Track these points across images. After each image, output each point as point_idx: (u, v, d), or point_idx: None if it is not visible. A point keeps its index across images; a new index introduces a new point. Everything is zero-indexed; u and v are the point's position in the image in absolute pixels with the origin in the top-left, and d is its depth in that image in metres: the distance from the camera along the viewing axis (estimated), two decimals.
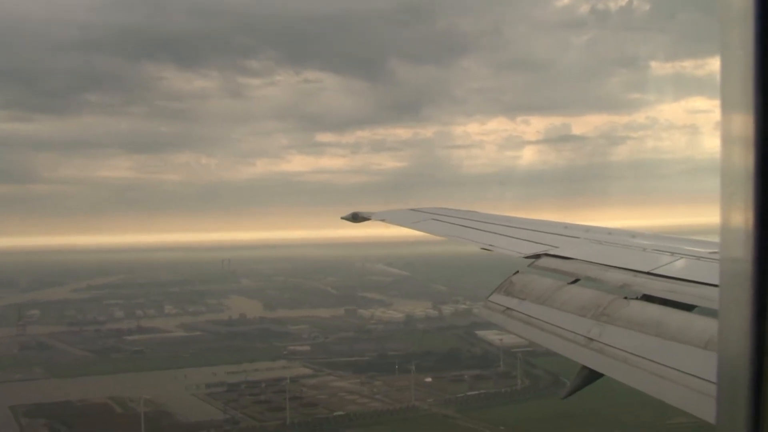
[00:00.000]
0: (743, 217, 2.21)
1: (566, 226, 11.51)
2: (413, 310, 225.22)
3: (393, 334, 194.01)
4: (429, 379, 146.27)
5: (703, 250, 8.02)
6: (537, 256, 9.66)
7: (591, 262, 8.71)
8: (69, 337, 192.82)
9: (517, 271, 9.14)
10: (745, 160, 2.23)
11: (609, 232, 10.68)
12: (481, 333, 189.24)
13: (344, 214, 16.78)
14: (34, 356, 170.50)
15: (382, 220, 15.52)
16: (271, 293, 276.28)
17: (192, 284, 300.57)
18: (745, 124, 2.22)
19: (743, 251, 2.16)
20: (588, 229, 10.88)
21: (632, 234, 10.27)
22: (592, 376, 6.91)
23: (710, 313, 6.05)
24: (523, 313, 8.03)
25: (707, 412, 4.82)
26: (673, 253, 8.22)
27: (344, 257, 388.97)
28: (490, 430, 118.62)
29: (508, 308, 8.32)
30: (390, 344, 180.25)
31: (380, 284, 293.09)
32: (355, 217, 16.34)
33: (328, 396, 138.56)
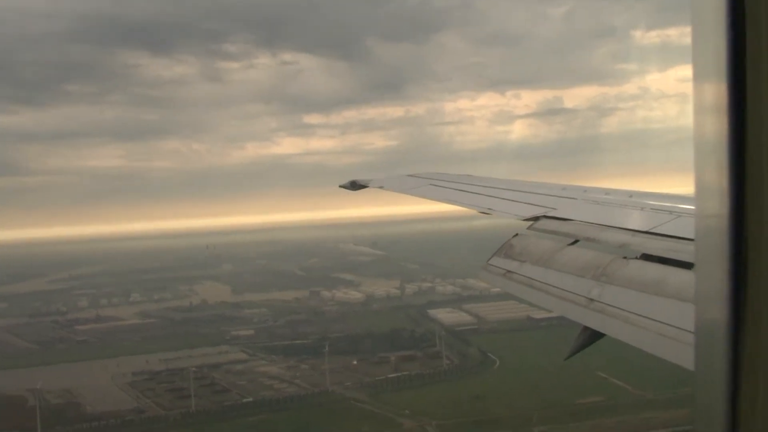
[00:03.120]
0: (717, 179, 2.23)
1: (564, 187, 11.32)
2: (376, 290, 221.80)
3: (345, 315, 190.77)
4: (355, 362, 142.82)
5: None
6: (536, 218, 9.53)
7: (590, 222, 8.66)
8: (22, 329, 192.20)
9: (516, 234, 8.99)
10: (718, 126, 2.23)
11: (607, 192, 10.47)
12: (432, 312, 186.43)
13: (342, 183, 16.32)
14: None
15: (380, 187, 15.12)
16: (246, 277, 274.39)
17: (172, 271, 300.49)
18: (718, 91, 2.22)
19: (718, 209, 2.25)
20: (586, 190, 10.74)
21: (630, 194, 10.04)
22: (593, 336, 6.87)
23: None
24: (524, 276, 7.94)
25: None
26: (671, 212, 8.05)
27: (332, 238, 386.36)
28: (394, 414, 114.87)
29: (508, 271, 8.24)
30: (337, 326, 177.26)
31: (357, 264, 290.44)
32: (354, 185, 15.94)
33: (247, 382, 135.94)
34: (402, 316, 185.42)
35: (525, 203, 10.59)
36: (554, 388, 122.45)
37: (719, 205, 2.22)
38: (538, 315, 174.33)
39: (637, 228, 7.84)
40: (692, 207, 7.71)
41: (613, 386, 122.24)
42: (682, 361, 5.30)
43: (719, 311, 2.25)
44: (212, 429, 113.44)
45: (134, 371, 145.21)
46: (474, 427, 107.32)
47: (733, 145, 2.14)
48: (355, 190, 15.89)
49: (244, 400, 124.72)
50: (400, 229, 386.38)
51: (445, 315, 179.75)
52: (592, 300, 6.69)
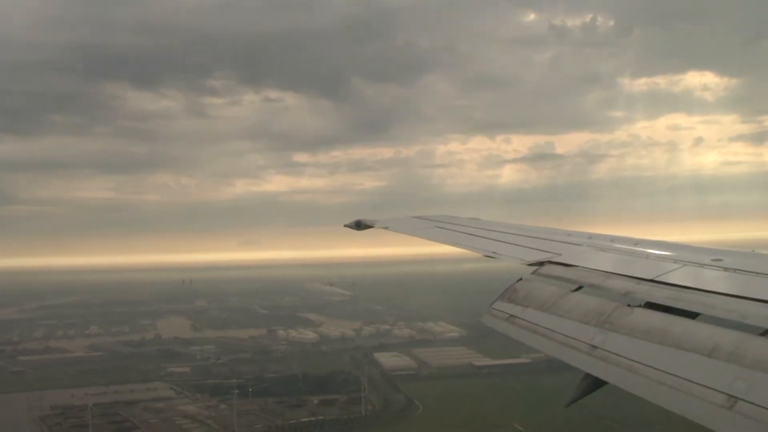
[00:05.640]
0: None
1: (569, 233, 11.25)
2: (332, 331, 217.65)
3: (290, 355, 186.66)
4: (274, 404, 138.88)
5: (706, 257, 7.93)
6: (540, 264, 9.49)
7: (594, 269, 8.59)
8: None
9: (521, 278, 8.94)
10: None
11: (612, 239, 10.30)
12: (378, 355, 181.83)
13: (347, 222, 16.12)
14: None
15: (385, 228, 14.98)
16: (213, 313, 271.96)
17: (144, 305, 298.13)
18: None
19: None
20: (591, 236, 10.65)
21: (635, 242, 9.90)
22: (595, 384, 6.68)
23: (714, 320, 6.02)
24: (527, 321, 7.86)
25: (710, 420, 4.94)
26: (676, 261, 8.05)
27: (314, 277, 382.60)
28: None
29: (511, 315, 8.14)
30: (276, 366, 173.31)
31: (328, 304, 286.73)
32: (359, 225, 15.76)
33: (159, 420, 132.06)
34: (346, 358, 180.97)
35: (530, 248, 10.44)
36: None
37: None
38: (480, 363, 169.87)
39: (641, 276, 7.68)
40: (697, 256, 8.01)
41: None
42: (683, 411, 5.20)
43: None
44: None
45: (53, 405, 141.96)
46: None
47: None
48: (361, 230, 15.68)
49: None
50: (386, 270, 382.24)
51: (388, 359, 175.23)
52: (594, 347, 6.56)
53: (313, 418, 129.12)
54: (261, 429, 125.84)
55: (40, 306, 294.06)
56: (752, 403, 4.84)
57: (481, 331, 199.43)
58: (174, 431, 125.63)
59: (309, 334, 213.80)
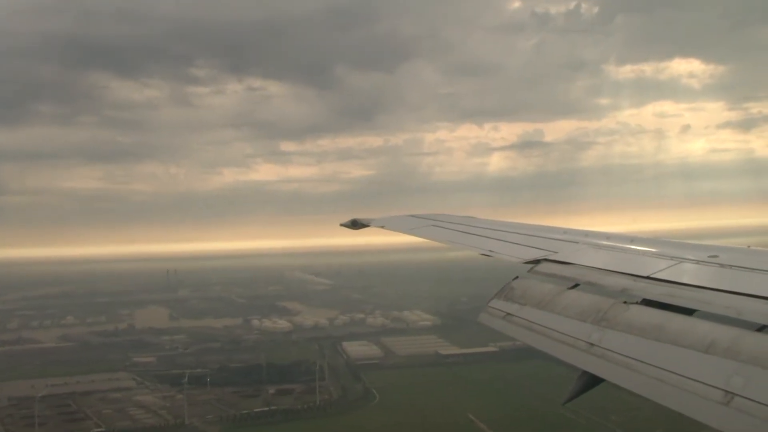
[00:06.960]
0: None
1: (565, 231, 11.20)
2: (306, 320, 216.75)
3: (259, 345, 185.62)
4: (230, 394, 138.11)
5: (702, 254, 7.93)
6: (537, 262, 9.52)
7: (591, 266, 8.60)
8: None
9: (517, 277, 8.96)
10: None
11: (608, 236, 10.33)
12: (347, 344, 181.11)
13: (343, 221, 16.10)
14: None
15: (382, 227, 15.04)
16: (193, 303, 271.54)
17: (127, 295, 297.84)
18: None
19: None
20: (587, 234, 10.68)
21: (631, 238, 9.94)
22: (592, 381, 6.67)
23: (710, 317, 6.02)
24: (524, 319, 7.87)
25: (708, 416, 4.97)
26: (672, 257, 8.05)
27: (301, 266, 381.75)
28: None
29: (508, 314, 8.14)
30: (243, 355, 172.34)
31: (310, 293, 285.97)
32: (355, 224, 15.78)
33: (113, 410, 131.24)
34: (314, 347, 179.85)
35: (526, 246, 10.45)
36: (413, 428, 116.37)
37: None
38: (446, 352, 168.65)
39: (638, 273, 7.65)
40: (693, 253, 7.96)
41: (474, 430, 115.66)
42: (680, 408, 5.23)
43: None
44: None
45: (11, 396, 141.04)
46: None
47: None
48: (356, 229, 15.72)
49: (95, 430, 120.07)
50: (371, 259, 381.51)
51: (356, 348, 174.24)
52: (592, 344, 6.57)
53: (266, 408, 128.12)
54: (212, 419, 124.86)
55: (23, 297, 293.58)
56: (749, 399, 4.80)
57: (456, 319, 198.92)
58: (125, 421, 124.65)
59: (282, 324, 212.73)
